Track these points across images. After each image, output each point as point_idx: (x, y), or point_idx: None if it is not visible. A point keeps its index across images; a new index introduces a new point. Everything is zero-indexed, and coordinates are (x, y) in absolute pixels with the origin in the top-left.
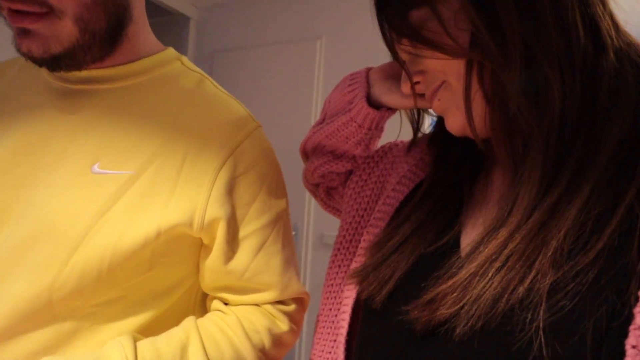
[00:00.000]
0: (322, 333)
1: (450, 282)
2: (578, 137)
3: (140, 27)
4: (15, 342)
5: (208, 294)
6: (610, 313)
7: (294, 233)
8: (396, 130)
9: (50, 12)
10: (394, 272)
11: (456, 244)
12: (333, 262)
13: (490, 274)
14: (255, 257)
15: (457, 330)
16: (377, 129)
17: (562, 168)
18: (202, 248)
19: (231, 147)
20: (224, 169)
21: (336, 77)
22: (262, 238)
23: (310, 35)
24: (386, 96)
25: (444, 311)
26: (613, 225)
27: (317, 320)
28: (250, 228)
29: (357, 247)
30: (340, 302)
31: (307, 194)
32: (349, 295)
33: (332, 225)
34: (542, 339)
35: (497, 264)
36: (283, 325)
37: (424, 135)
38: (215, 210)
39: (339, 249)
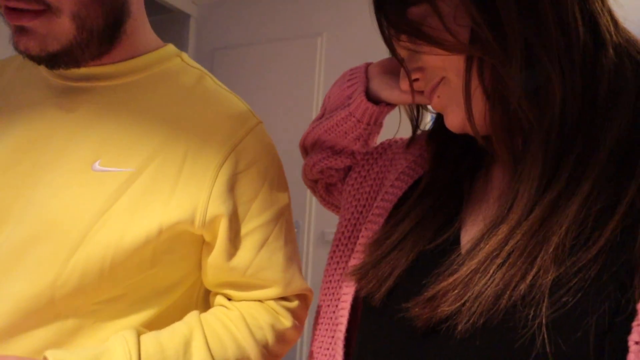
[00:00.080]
0: (321, 329)
1: (451, 279)
2: (578, 134)
3: (139, 23)
4: (18, 339)
5: (211, 290)
6: (613, 309)
7: (295, 230)
8: (395, 126)
9: (47, 10)
10: (393, 269)
11: (456, 241)
12: (332, 258)
13: (491, 271)
14: (257, 253)
15: (459, 328)
16: (375, 124)
17: (562, 164)
18: (204, 245)
19: (232, 143)
20: (225, 165)
21: (337, 74)
22: (264, 234)
23: (310, 32)
24: (385, 91)
25: (445, 308)
26: (615, 221)
27: (316, 316)
28: (253, 225)
29: (355, 243)
30: (339, 299)
31: (309, 191)
32: (348, 291)
33: (333, 222)
34: (545, 336)
35: (499, 261)
36: (286, 321)
37: (423, 131)
38: (217, 207)
39: (337, 245)
